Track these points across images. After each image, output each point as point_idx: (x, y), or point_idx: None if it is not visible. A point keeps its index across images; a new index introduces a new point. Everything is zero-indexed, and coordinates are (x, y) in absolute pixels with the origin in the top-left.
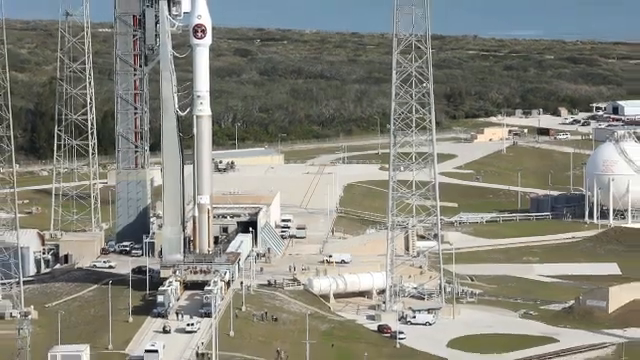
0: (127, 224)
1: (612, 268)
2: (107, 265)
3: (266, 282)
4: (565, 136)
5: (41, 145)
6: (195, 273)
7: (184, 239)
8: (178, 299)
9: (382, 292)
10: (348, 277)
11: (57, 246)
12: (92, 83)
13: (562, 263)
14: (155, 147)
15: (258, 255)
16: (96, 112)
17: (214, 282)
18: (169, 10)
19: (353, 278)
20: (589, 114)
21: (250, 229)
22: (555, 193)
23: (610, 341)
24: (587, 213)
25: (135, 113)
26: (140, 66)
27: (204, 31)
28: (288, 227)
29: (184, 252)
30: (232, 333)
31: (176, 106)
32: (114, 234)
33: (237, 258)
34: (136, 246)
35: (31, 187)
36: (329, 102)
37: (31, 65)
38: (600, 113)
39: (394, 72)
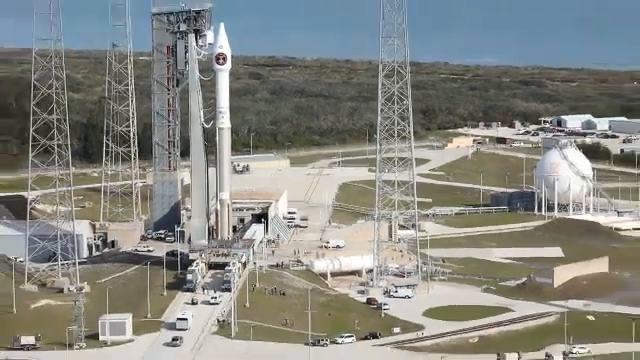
0: (162, 216)
1: (556, 251)
2: (146, 249)
3: (275, 263)
4: (519, 144)
5: (92, 151)
6: (217, 256)
7: (208, 228)
8: (204, 277)
9: (370, 271)
10: (342, 259)
11: (105, 234)
12: (134, 101)
13: (516, 247)
14: (185, 153)
15: (269, 241)
16: (137, 125)
17: (233, 263)
18: (196, 41)
19: (346, 260)
20: (538, 126)
21: (262, 220)
22: (511, 190)
23: (555, 310)
24: (536, 207)
25: (168, 125)
26: (172, 87)
27: (225, 59)
28: (293, 218)
29: (208, 239)
30: (248, 304)
31: (202, 120)
32: (152, 224)
33: (252, 243)
34: (169, 234)
35: (84, 186)
36: (327, 116)
37: (84, 87)
38: (547, 125)
39: (380, 92)
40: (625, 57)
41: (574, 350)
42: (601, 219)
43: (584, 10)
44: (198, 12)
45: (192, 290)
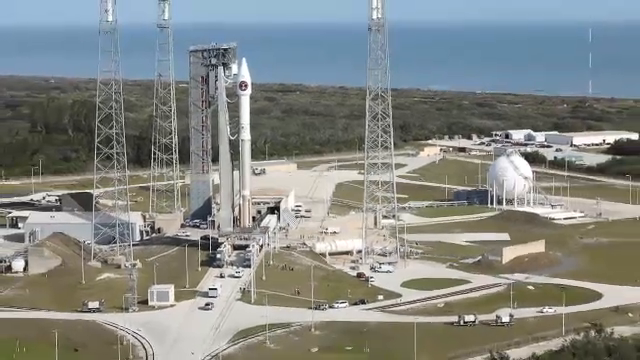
0: (197, 208)
1: (504, 236)
2: (185, 234)
3: (286, 245)
4: (475, 152)
5: (143, 158)
6: (240, 240)
7: (233, 218)
8: (230, 256)
9: (359, 252)
10: (338, 242)
11: (153, 222)
12: (175, 119)
13: (473, 233)
14: (215, 159)
15: (280, 228)
16: (177, 137)
17: (252, 245)
18: (224, 72)
19: (341, 242)
20: (490, 138)
21: (275, 211)
22: (469, 188)
23: (503, 282)
24: (489, 201)
25: (202, 138)
26: (205, 108)
27: (246, 85)
28: (299, 210)
29: (233, 226)
30: (264, 278)
31: (228, 133)
32: (189, 215)
33: (267, 230)
34: (203, 222)
35: (137, 185)
36: (326, 130)
37: (137, 107)
38: (497, 138)
39: (367, 112)
40: (558, 85)
41: (544, 310)
42: (539, 210)
43: (530, 50)
44: (226, 49)
45: (221, 266)
